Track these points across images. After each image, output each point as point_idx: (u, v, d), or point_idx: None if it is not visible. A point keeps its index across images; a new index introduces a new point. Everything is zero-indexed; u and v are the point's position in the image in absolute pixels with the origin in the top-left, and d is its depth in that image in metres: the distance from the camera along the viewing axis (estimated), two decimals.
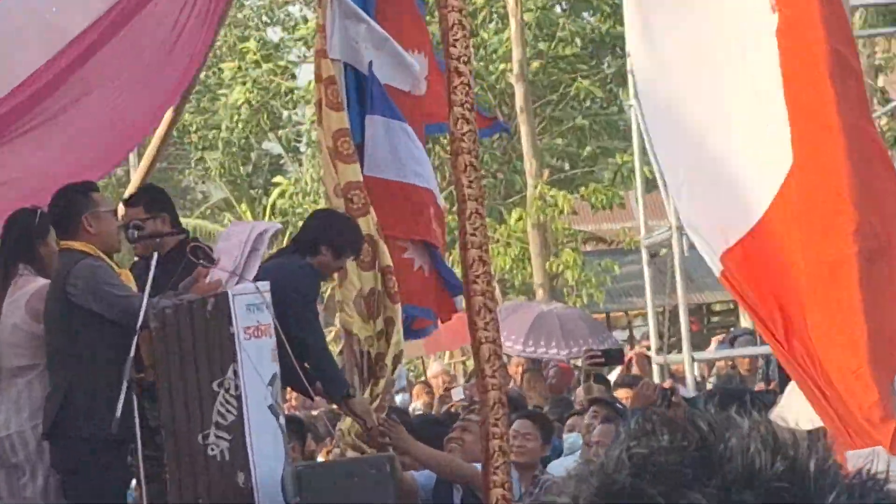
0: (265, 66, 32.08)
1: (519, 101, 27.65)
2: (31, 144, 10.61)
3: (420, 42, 9.70)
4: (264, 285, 8.22)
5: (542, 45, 30.64)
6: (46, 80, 10.18)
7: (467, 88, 7.58)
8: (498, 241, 27.92)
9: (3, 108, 10.24)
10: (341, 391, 9.08)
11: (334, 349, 10.24)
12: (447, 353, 26.18)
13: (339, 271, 9.29)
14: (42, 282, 8.87)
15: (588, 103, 31.66)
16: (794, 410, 5.81)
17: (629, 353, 18.52)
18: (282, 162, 37.19)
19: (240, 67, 32.32)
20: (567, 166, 33.59)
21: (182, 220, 10.62)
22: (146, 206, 9.40)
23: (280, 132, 34.87)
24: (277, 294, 8.40)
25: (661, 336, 17.74)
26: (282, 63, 32.79)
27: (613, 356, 15.16)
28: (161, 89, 10.79)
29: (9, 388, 8.79)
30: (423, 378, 22.12)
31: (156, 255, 8.38)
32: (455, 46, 7.57)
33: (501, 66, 29.67)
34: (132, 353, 8.02)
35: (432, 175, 9.58)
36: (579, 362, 17.43)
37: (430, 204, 9.61)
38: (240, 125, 32.32)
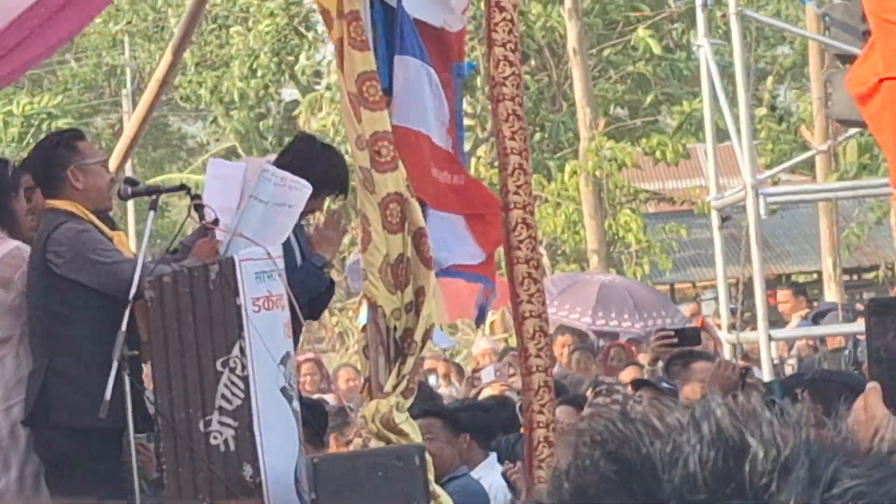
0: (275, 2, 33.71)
1: (571, 41, 26.14)
2: None
3: None
4: (276, 249, 7.71)
5: None
6: None
7: (510, 26, 7.19)
8: (547, 200, 26.95)
9: None
10: (322, 282, 8.50)
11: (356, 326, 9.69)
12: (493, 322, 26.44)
13: (313, 211, 8.85)
14: (11, 244, 8.16)
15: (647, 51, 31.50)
16: None
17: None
18: (297, 112, 34.09)
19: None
20: (627, 115, 32.26)
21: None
22: None
23: (297, 68, 32.88)
24: None
25: (732, 312, 16.36)
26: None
27: (689, 337, 13.21)
28: None
29: None
30: (463, 354, 22.65)
31: (151, 213, 8.33)
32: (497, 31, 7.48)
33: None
34: (124, 328, 7.64)
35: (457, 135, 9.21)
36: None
37: (435, 164, 8.65)
38: (259, 72, 30.93)
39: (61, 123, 31.05)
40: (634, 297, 19.04)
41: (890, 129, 6.45)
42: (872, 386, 3.89)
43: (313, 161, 8.69)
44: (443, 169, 8.81)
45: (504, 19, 7.11)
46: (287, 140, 35.11)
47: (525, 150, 7.30)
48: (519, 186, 7.13)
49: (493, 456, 9.85)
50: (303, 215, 8.85)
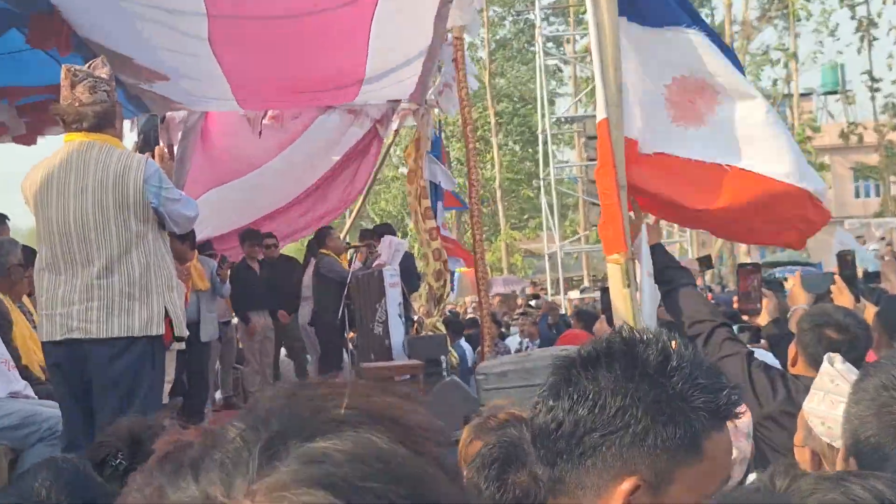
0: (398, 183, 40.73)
1: (498, 195, 38.25)
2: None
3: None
4: (396, 266, 11.75)
5: (507, 174, 40.91)
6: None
7: (477, 191, 10.16)
8: (490, 250, 34.39)
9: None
10: None
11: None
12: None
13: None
14: None
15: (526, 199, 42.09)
16: None
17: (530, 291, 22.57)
18: (406, 220, 46.05)
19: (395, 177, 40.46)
20: (518, 221, 44.42)
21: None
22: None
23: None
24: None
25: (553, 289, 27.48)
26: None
27: (535, 297, 18.40)
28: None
29: None
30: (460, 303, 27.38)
31: (353, 253, 12.61)
32: (472, 173, 9.86)
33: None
34: (345, 292, 11.07)
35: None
36: None
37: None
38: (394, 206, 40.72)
39: None
40: (508, 280, 28.33)
41: None
42: (602, 318, 5.44)
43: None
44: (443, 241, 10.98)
45: (475, 190, 9.65)
46: None
47: (481, 235, 9.94)
48: (478, 247, 9.81)
49: (463, 338, 13.36)
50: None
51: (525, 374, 6.86)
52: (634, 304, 4.43)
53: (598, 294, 23.25)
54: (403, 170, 43.82)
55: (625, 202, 4.62)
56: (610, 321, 5.30)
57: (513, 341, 16.02)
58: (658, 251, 4.41)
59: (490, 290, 28.28)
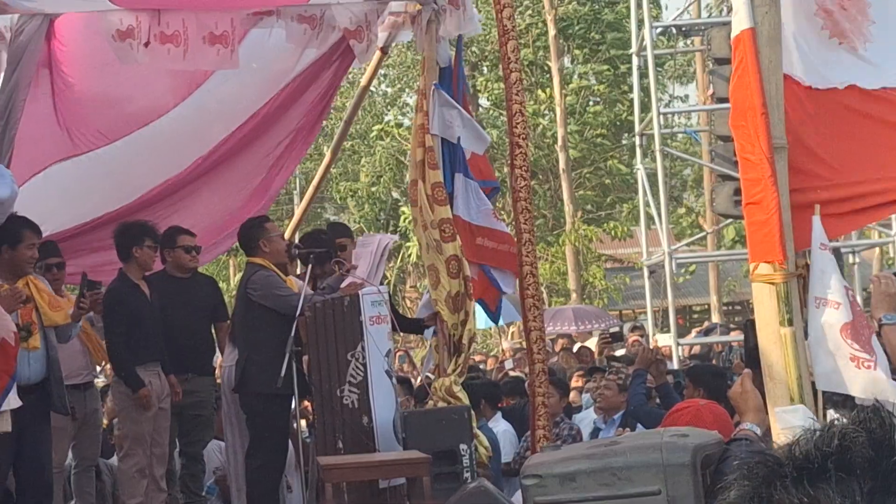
0: (387, 140, 36.34)
1: (562, 164, 31.66)
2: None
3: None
4: (383, 288, 9.34)
5: (576, 127, 34.57)
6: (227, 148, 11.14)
7: (524, 156, 8.57)
8: (547, 259, 31.65)
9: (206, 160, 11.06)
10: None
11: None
12: (510, 335, 28.59)
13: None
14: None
15: (611, 170, 35.59)
16: None
17: (632, 337, 21.31)
18: (399, 204, 39.62)
19: (385, 132, 36.21)
20: (595, 209, 37.29)
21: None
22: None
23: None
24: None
25: (656, 325, 21.04)
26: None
27: (617, 337, 16.76)
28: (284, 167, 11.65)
29: None
30: (494, 352, 24.48)
31: (309, 266, 9.63)
32: (517, 127, 8.52)
33: (549, 142, 33.90)
34: (293, 334, 8.94)
35: (487, 215, 10.13)
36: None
37: (479, 235, 10.04)
38: (381, 181, 37.00)
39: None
40: (576, 313, 24.50)
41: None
42: (747, 371, 4.15)
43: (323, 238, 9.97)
44: (486, 237, 9.80)
45: (520, 152, 8.39)
46: (391, 221, 37.75)
47: (531, 231, 8.47)
48: (528, 252, 8.41)
49: (499, 413, 11.01)
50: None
51: (609, 478, 4.53)
52: (797, 357, 3.37)
53: (734, 335, 19.31)
54: (406, 119, 37.89)
55: (784, 175, 3.47)
56: (759, 378, 3.85)
57: (586, 417, 11.60)
58: None
59: (548, 327, 19.63)
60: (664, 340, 19.48)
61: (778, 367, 3.27)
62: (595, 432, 10.52)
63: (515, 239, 8.68)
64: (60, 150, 10.43)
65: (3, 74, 9.23)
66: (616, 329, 21.44)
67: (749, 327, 5.00)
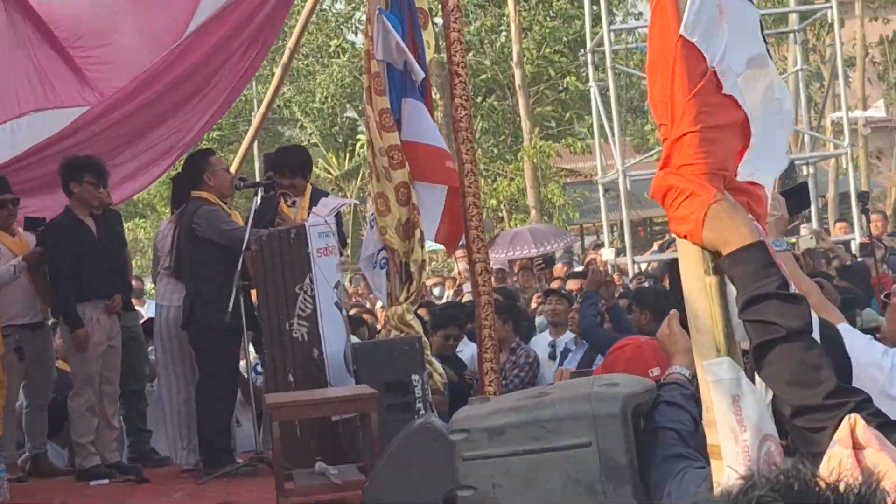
0: (343, 58, 35.91)
1: (518, 81, 31.22)
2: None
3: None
4: (331, 219, 9.07)
5: (532, 43, 33.90)
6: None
7: (464, 84, 8.37)
8: (507, 176, 31.87)
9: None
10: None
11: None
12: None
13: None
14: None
15: (568, 87, 35.00)
16: None
17: (589, 257, 20.42)
18: (358, 125, 39.78)
19: (342, 48, 36.02)
20: (554, 125, 37.05)
21: None
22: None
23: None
24: None
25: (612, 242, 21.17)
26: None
27: (550, 262, 17.40)
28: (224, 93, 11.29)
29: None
30: (453, 273, 23.52)
31: (255, 198, 9.43)
32: (455, 56, 8.37)
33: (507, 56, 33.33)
34: (239, 267, 8.83)
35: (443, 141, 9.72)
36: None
37: (446, 158, 9.57)
38: (329, 99, 36.66)
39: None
40: (535, 235, 23.33)
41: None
42: (673, 312, 4.10)
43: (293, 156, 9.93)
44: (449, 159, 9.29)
45: (460, 81, 8.23)
46: (349, 141, 39.78)
47: (473, 161, 8.30)
48: (470, 183, 8.24)
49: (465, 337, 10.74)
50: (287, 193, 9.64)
51: (538, 431, 4.32)
52: (724, 307, 3.11)
53: None
54: (358, 38, 38.20)
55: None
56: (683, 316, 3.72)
57: (541, 340, 11.35)
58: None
59: (504, 249, 19.80)
60: (608, 255, 19.52)
61: (704, 317, 3.04)
62: (565, 353, 10.52)
63: (459, 170, 8.56)
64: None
65: None
66: (552, 254, 21.67)
67: (673, 265, 5.07)
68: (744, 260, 2.93)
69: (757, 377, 2.90)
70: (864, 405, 2.77)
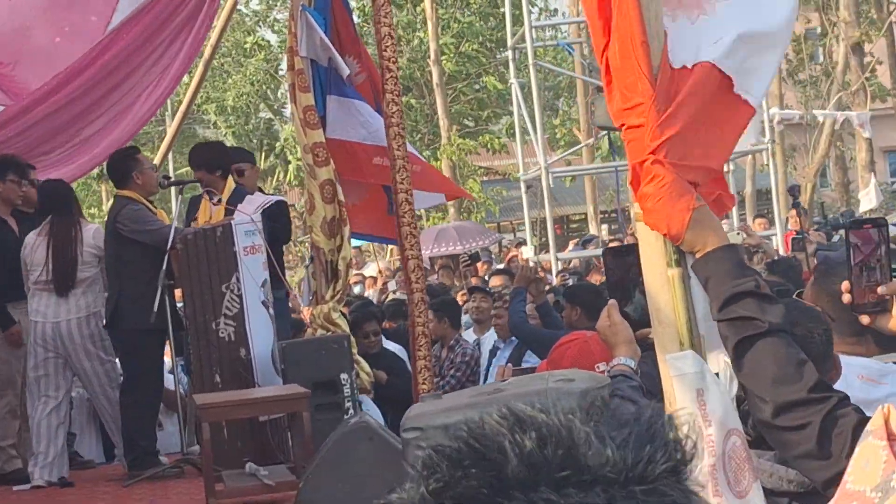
0: (259, 56, 36.06)
1: (435, 79, 31.37)
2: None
3: (356, 50, 10.15)
4: (257, 217, 9.00)
5: (450, 40, 34.19)
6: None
7: (395, 80, 8.30)
8: None
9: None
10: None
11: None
12: (389, 252, 27.34)
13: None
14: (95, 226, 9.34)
15: (487, 87, 35.14)
16: None
17: (511, 254, 20.52)
18: (273, 125, 39.96)
19: (259, 45, 35.93)
20: (472, 123, 37.23)
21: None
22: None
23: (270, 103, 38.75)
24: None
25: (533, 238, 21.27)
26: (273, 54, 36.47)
27: (475, 258, 17.43)
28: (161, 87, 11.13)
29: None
30: (367, 271, 23.14)
31: (178, 196, 9.87)
32: (386, 51, 8.27)
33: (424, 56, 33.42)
34: (164, 267, 8.73)
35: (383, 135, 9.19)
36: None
37: (375, 155, 9.63)
38: (244, 97, 36.70)
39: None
40: (462, 230, 24.00)
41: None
42: (612, 302, 4.04)
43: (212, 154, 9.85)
44: (384, 157, 8.91)
45: (391, 76, 8.16)
46: (265, 140, 38.46)
47: (405, 156, 8.25)
48: (403, 178, 8.15)
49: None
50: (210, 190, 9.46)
51: None
52: (687, 300, 3.08)
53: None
54: (274, 37, 38.27)
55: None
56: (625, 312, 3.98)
57: (467, 338, 11.13)
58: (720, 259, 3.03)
59: (428, 246, 19.85)
60: (528, 253, 19.62)
61: (666, 311, 3.02)
62: (494, 350, 10.47)
63: (391, 166, 8.40)
64: None
65: None
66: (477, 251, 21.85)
67: (610, 254, 4.76)
68: (720, 259, 2.97)
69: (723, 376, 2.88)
70: (845, 401, 2.80)
